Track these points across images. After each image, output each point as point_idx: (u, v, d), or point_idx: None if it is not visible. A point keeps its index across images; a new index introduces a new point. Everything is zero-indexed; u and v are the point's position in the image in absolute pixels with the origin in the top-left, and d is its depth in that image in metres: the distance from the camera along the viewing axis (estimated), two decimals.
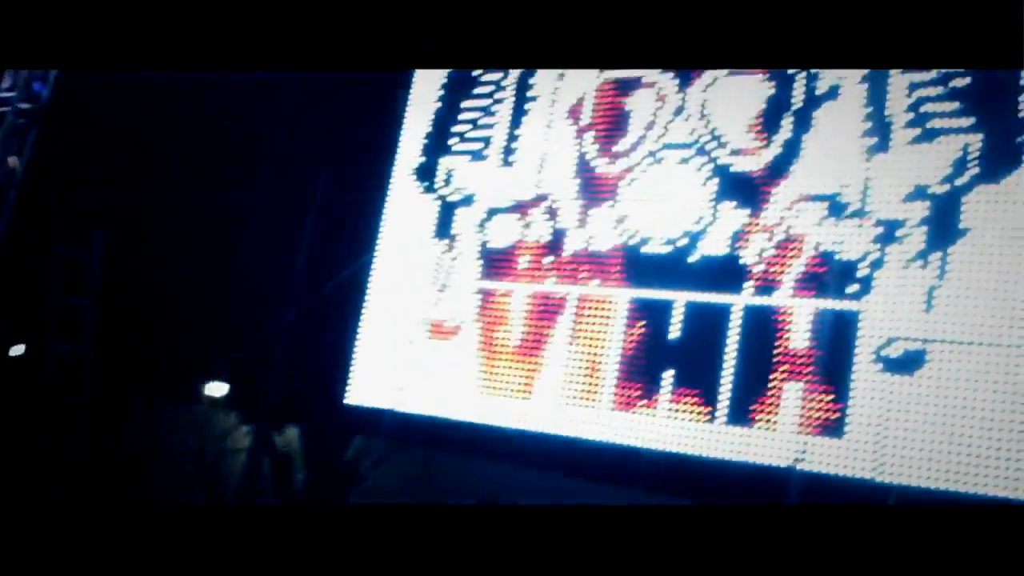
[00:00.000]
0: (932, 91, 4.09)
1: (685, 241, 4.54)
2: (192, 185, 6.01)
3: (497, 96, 5.32)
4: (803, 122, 4.36)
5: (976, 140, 3.94)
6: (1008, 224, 3.79)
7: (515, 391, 4.81)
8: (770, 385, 4.14)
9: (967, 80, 4.02)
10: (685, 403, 4.34)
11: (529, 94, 5.21)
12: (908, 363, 3.87)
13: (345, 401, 5.31)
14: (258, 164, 6.01)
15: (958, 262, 3.86)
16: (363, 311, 5.38)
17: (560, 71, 5.12)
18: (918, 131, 4.08)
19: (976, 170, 3.90)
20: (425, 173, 5.46)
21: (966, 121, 3.98)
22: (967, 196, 3.89)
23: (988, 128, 3.92)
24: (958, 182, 3.93)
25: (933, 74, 4.10)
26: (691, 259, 4.50)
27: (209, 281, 5.91)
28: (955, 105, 4.03)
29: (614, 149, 4.88)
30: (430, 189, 5.41)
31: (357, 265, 5.45)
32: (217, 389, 5.84)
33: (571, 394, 4.64)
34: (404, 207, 5.47)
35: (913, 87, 4.13)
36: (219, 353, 5.72)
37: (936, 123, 4.04)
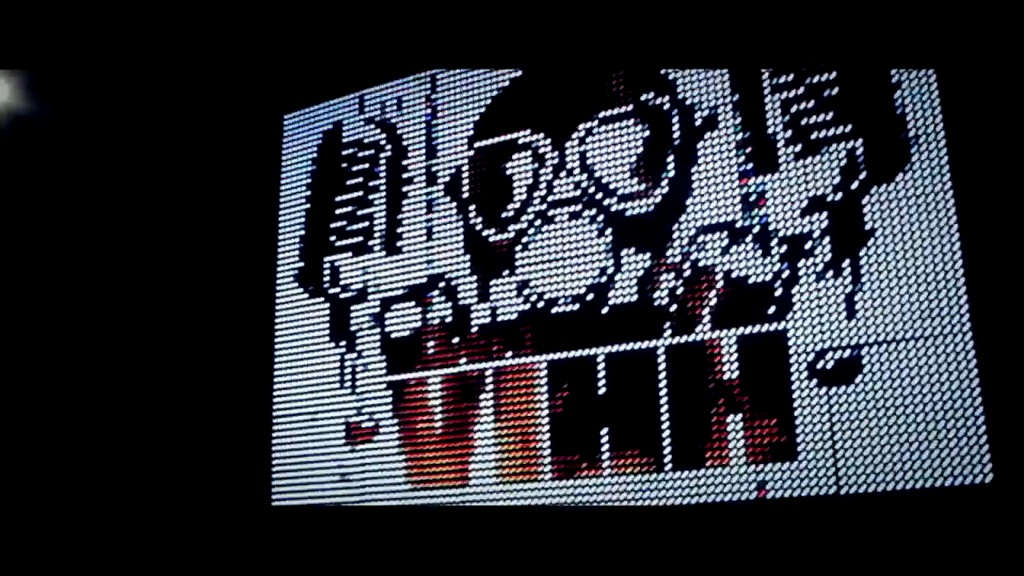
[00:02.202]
0: (805, 104, 4.13)
1: (592, 295, 4.45)
2: None
3: (371, 184, 5.17)
4: (686, 156, 4.35)
5: (860, 144, 3.99)
6: (910, 218, 3.83)
7: (448, 480, 4.59)
8: (712, 422, 4.05)
9: (836, 89, 4.09)
10: (628, 457, 4.21)
11: (404, 176, 5.09)
12: (844, 372, 3.85)
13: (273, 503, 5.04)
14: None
15: (869, 264, 3.87)
16: (273, 428, 5.11)
17: (427, 146, 5.02)
18: (800, 146, 4.11)
19: (867, 172, 3.95)
20: (309, 276, 5.25)
21: (846, 127, 4.03)
22: (865, 199, 3.93)
23: (870, 130, 3.97)
24: (853, 187, 3.96)
25: (802, 90, 4.15)
26: (603, 312, 4.41)
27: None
28: (831, 114, 4.08)
29: (501, 216, 4.77)
30: (318, 291, 5.20)
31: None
32: None
33: (508, 473, 4.46)
34: (294, 313, 5.24)
35: (787, 104, 4.17)
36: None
37: (817, 134, 4.08)
